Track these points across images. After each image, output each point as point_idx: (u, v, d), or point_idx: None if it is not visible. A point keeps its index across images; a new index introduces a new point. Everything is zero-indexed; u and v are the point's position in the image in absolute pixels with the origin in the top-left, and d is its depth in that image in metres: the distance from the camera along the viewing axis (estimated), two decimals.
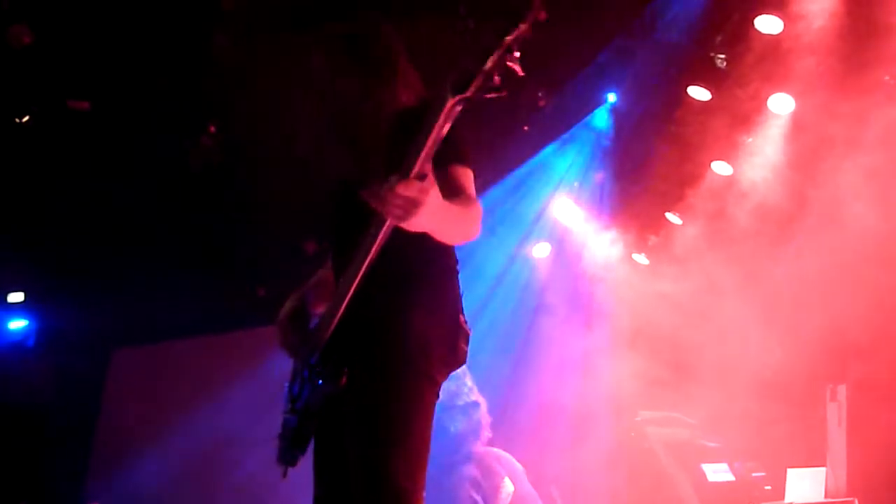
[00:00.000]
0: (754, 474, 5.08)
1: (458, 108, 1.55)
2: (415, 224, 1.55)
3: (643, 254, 6.39)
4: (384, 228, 1.69)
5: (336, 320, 1.82)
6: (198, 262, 5.59)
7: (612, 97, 5.65)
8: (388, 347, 1.84)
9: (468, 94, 1.52)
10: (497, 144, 5.26)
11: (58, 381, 5.91)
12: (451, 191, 1.78)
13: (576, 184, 6.15)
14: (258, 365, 5.20)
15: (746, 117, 5.18)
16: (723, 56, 4.96)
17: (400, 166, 1.55)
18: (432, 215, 1.55)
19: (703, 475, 5.11)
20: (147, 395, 6.11)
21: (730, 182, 5.58)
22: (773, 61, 4.70)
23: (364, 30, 2.04)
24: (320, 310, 2.03)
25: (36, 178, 4.87)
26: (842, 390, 4.56)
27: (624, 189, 5.86)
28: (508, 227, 6.19)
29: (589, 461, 5.47)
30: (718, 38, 4.90)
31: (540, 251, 6.58)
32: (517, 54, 1.50)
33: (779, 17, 4.56)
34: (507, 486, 4.66)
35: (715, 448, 5.28)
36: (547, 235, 6.46)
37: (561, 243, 6.41)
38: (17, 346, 5.90)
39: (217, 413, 5.76)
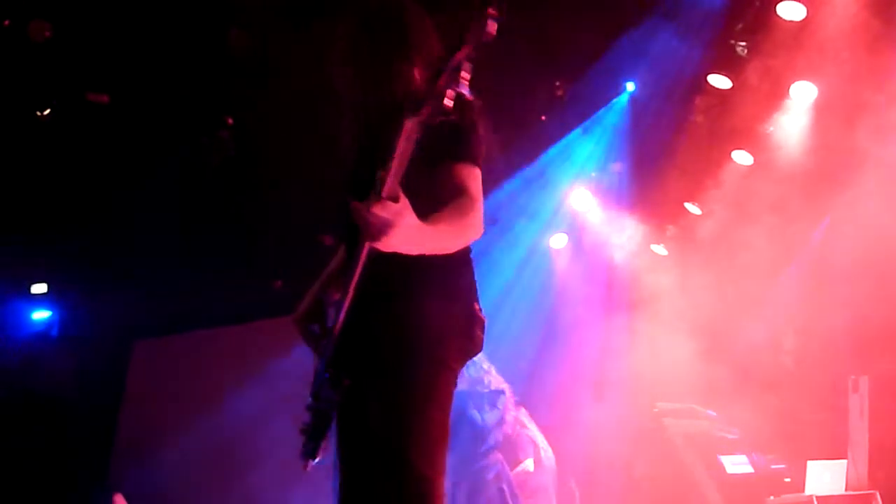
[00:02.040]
0: (774, 466, 5.04)
1: (417, 129, 1.57)
2: (387, 245, 1.58)
3: (662, 244, 6.35)
4: (365, 247, 1.71)
5: (341, 321, 1.84)
6: (218, 254, 5.63)
7: (630, 86, 5.59)
8: (404, 336, 1.84)
9: (422, 117, 1.54)
10: (514, 134, 5.22)
11: (81, 371, 5.99)
12: (451, 190, 1.77)
13: (593, 174, 6.11)
14: (279, 356, 5.23)
15: (768, 106, 5.11)
16: (744, 44, 4.89)
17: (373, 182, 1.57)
18: (406, 238, 1.59)
19: (722, 467, 5.08)
20: (169, 385, 6.17)
21: (751, 171, 5.52)
22: (795, 48, 4.62)
23: (387, 5, 2.01)
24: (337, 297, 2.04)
25: (57, 171, 4.92)
26: (864, 382, 4.51)
27: (642, 179, 5.81)
28: (526, 217, 6.16)
29: (607, 447, 5.45)
30: (739, 26, 4.82)
31: (557, 242, 6.55)
32: (465, 77, 1.50)
33: (801, 2, 4.48)
34: (528, 465, 4.72)
35: (734, 439, 5.25)
36: (565, 226, 6.43)
37: (578, 234, 6.38)
38: (40, 336, 5.98)
39: (239, 403, 5.81)
